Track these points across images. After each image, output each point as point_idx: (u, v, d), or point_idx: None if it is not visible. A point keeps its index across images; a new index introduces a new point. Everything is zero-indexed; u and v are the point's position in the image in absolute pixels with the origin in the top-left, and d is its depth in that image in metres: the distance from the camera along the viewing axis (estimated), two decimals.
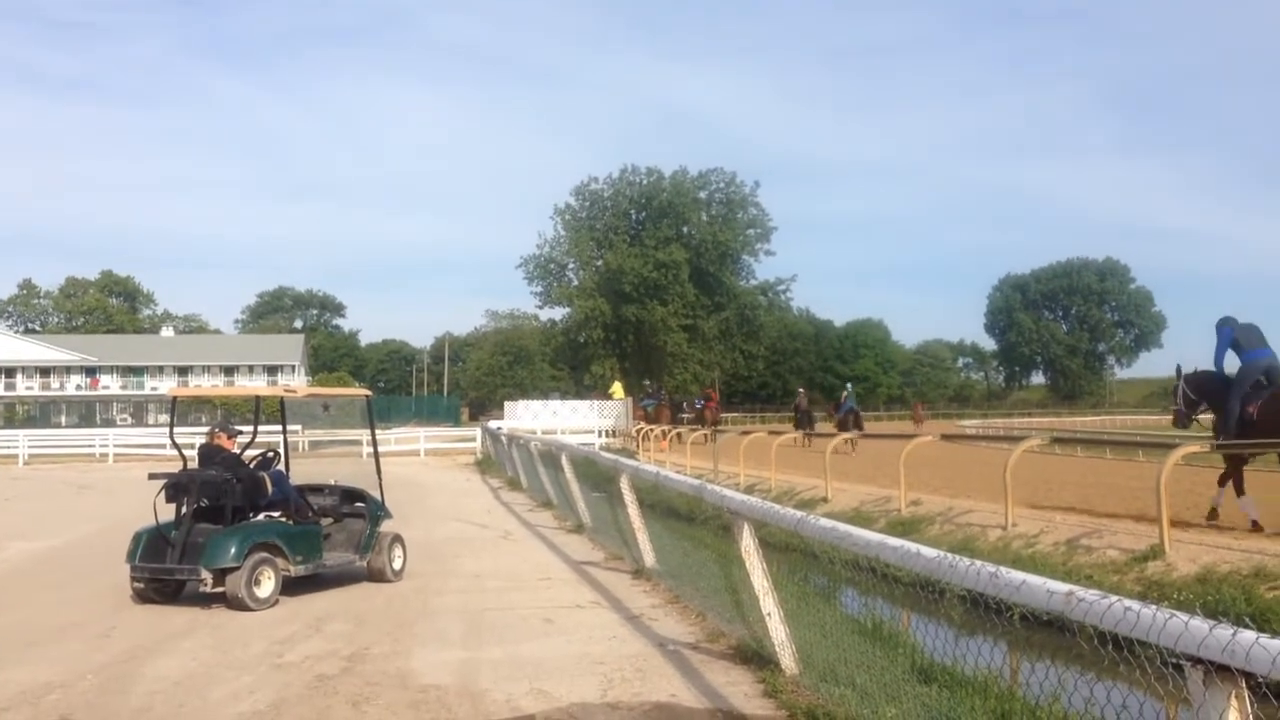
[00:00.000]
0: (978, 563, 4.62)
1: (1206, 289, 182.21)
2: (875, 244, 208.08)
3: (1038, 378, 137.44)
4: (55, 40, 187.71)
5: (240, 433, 11.70)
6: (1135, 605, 3.57)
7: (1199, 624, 3.29)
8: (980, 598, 4.72)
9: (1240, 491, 12.82)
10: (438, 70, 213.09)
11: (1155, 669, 3.92)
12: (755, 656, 7.66)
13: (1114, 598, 3.72)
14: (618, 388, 50.53)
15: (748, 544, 7.49)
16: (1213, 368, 13.62)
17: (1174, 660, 3.45)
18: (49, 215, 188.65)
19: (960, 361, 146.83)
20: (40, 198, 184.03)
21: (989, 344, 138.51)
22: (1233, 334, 13.60)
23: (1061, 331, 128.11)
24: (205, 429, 12.37)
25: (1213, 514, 13.22)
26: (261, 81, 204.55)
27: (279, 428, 13.43)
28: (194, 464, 11.09)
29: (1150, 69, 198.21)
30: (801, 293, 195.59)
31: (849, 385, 50.18)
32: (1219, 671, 3.24)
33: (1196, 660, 3.29)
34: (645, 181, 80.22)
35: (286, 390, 13.06)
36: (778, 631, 7.19)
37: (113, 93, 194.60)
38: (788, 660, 7.12)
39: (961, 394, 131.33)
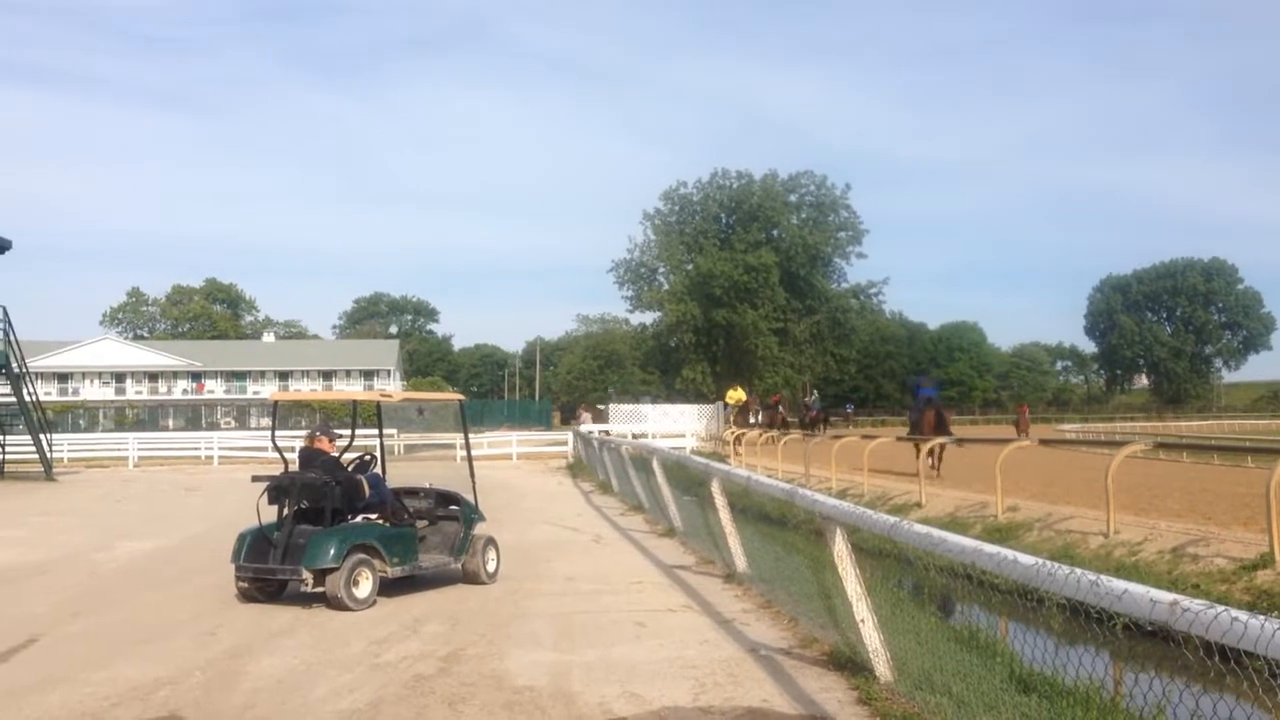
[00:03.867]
0: (1077, 570, 4.53)
1: None
2: (970, 245, 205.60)
3: (1140, 381, 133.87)
4: (154, 56, 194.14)
5: (339, 436, 11.92)
6: (1243, 615, 3.47)
7: None
8: (1081, 606, 4.62)
9: (917, 457, 22.36)
10: (525, 78, 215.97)
11: (1263, 681, 3.80)
12: (849, 663, 7.59)
13: (1221, 607, 3.62)
14: (738, 391, 49.97)
15: (840, 549, 7.43)
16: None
17: None
18: (156, 226, 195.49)
19: (1059, 364, 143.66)
20: (147, 209, 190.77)
21: (1089, 346, 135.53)
22: (918, 381, 31.00)
23: (1165, 333, 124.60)
24: (305, 432, 12.64)
25: (918, 472, 22.59)
26: (353, 92, 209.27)
27: (376, 431, 13.68)
28: (295, 467, 11.32)
29: (1254, 63, 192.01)
30: (894, 296, 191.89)
31: (815, 391, 65.57)
32: None
33: None
34: (735, 185, 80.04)
35: (383, 395, 13.29)
36: (871, 638, 7.11)
37: (210, 106, 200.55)
38: (882, 667, 7.04)
39: (1060, 398, 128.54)
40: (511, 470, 35.77)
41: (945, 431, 24.42)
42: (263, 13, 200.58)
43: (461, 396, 15.17)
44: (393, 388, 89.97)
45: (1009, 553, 5.24)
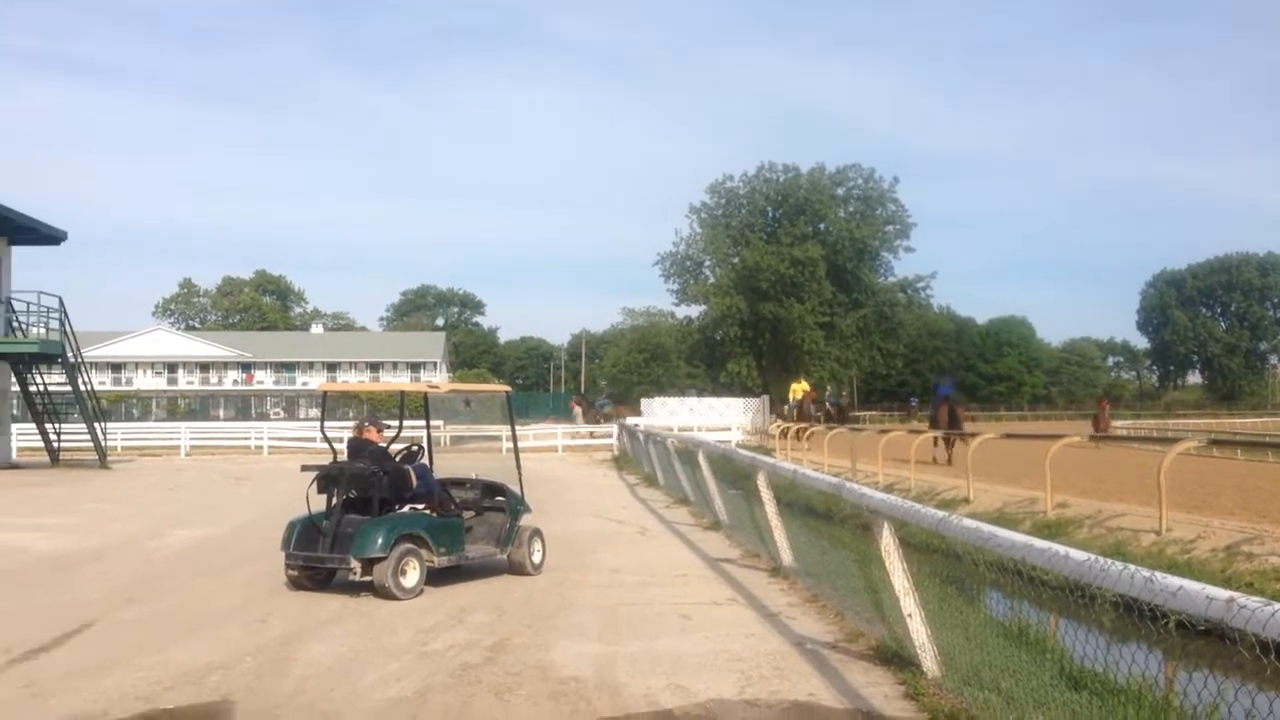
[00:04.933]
0: (1130, 567, 4.47)
1: None
2: (1020, 240, 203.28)
3: (1194, 377, 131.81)
4: (196, 46, 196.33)
5: (387, 427, 12.00)
6: None
7: None
8: (1134, 603, 4.56)
9: (935, 445, 26.60)
10: (572, 70, 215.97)
11: None
12: (895, 657, 7.55)
13: (1277, 605, 3.56)
14: (801, 384, 49.71)
15: (888, 543, 7.38)
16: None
17: None
18: (207, 218, 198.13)
19: (1110, 360, 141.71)
20: (198, 201, 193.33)
21: (1141, 342, 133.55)
22: (937, 381, 37.67)
23: (1220, 329, 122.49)
24: (353, 423, 12.74)
25: (933, 460, 25.99)
26: (397, 85, 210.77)
27: (423, 422, 13.77)
28: (343, 457, 11.42)
29: None
30: (943, 290, 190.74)
31: (829, 387, 69.14)
32: None
33: None
34: (782, 179, 79.55)
35: (430, 386, 13.37)
36: (919, 633, 7.06)
37: (257, 99, 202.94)
38: (929, 662, 6.99)
39: (1112, 394, 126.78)
40: (557, 462, 35.89)
41: (957, 426, 28.89)
42: (308, 6, 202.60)
43: (508, 388, 15.17)
44: (439, 379, 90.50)
45: (1060, 548, 5.18)
